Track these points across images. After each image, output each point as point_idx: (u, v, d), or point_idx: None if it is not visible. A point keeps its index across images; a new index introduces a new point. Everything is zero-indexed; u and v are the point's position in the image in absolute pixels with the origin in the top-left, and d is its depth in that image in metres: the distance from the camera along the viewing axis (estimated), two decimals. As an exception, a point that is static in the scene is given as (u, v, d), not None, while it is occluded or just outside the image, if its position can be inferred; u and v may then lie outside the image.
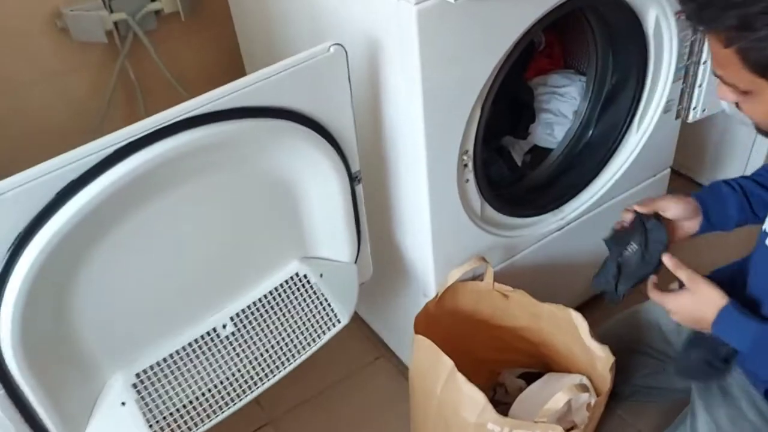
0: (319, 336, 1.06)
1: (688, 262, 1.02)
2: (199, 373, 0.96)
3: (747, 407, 1.05)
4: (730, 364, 1.06)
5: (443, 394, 1.13)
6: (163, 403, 0.93)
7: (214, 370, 0.98)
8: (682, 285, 1.01)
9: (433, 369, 1.13)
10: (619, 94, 1.35)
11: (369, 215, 1.15)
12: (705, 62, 1.33)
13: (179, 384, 0.95)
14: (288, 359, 1.03)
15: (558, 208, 1.36)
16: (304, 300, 1.05)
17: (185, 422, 0.94)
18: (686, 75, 1.35)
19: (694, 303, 0.99)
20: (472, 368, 1.11)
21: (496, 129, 1.42)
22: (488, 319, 1.31)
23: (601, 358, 1.14)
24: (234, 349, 1.00)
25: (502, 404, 1.27)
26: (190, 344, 0.96)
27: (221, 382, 0.98)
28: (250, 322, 1.01)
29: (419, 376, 1.21)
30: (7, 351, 0.77)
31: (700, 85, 1.36)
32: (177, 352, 0.95)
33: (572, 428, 1.07)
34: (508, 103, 1.42)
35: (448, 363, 1.10)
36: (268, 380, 1.01)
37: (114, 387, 0.90)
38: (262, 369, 1.01)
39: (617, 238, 1.12)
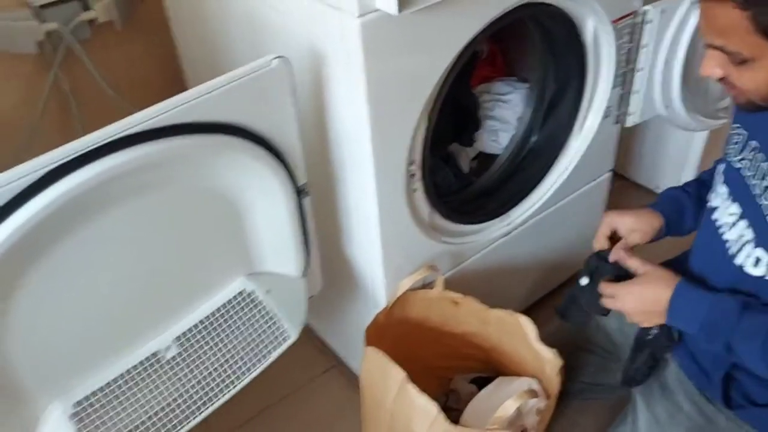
0: (267, 354, 1.03)
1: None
2: (143, 398, 0.93)
3: (683, 400, 1.08)
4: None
5: (395, 405, 1.12)
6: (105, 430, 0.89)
7: (160, 394, 0.94)
8: None
9: (385, 380, 1.13)
10: (561, 100, 1.38)
11: (318, 227, 1.14)
12: (641, 70, 1.37)
13: (122, 411, 0.91)
14: (236, 379, 1.00)
15: (504, 214, 1.38)
16: (252, 317, 1.03)
17: (129, 450, 0.91)
18: (624, 82, 1.39)
19: (646, 288, 0.99)
20: (423, 376, 1.11)
21: (441, 137, 1.43)
22: (439, 326, 1.31)
23: (549, 361, 1.15)
24: (179, 371, 0.96)
25: (454, 410, 1.27)
26: (132, 369, 0.93)
27: (168, 405, 0.95)
28: (195, 343, 0.98)
29: (370, 388, 1.20)
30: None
31: (637, 92, 1.40)
32: (118, 378, 0.92)
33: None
34: (453, 111, 1.43)
35: (399, 374, 1.10)
36: (216, 401, 0.98)
37: (51, 418, 0.86)
38: (210, 390, 0.98)
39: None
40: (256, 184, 0.96)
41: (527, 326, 1.19)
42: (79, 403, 0.88)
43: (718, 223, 1.00)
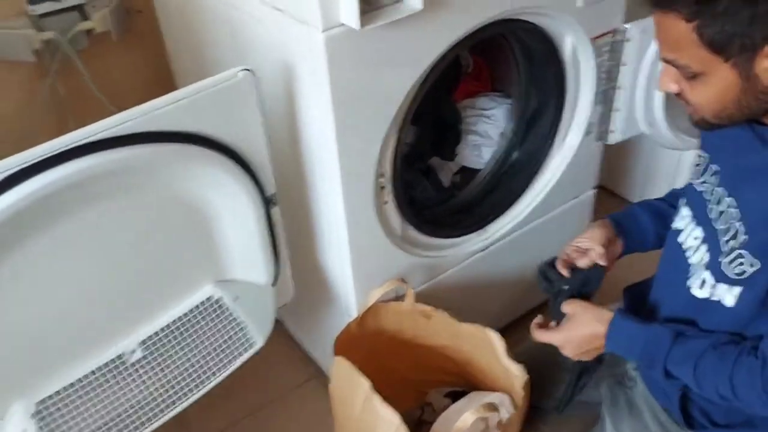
0: (233, 359, 1.05)
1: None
2: (107, 399, 0.95)
3: (649, 419, 1.08)
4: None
5: (362, 414, 1.13)
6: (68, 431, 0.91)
7: (124, 395, 0.97)
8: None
9: (352, 390, 1.14)
10: (541, 116, 1.39)
11: (292, 235, 1.16)
12: (621, 88, 1.37)
13: (86, 411, 0.93)
14: (201, 383, 1.02)
15: (482, 228, 1.39)
16: (218, 323, 1.05)
17: (91, 450, 0.93)
18: (605, 99, 1.39)
19: (580, 330, 1.02)
20: (399, 388, 1.12)
21: (421, 150, 1.45)
22: (412, 339, 1.32)
23: (516, 376, 1.16)
24: (144, 374, 0.99)
25: (428, 423, 1.27)
26: (96, 371, 0.95)
27: (131, 407, 0.97)
28: (161, 347, 1.00)
29: (339, 398, 1.21)
30: None
31: (618, 109, 1.41)
32: (83, 378, 0.94)
33: (487, 447, 1.09)
34: (434, 125, 1.45)
35: (365, 384, 1.11)
36: (180, 404, 1.00)
37: (14, 415, 0.89)
38: (175, 393, 1.00)
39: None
40: (224, 194, 0.98)
41: (496, 342, 1.20)
42: (42, 402, 0.91)
43: (683, 247, 1.00)
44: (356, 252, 1.17)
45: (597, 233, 1.09)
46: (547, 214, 1.47)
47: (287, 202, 1.13)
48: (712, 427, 1.02)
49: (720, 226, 0.91)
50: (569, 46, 1.28)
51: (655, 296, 1.07)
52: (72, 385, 0.93)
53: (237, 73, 0.91)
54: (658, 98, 1.41)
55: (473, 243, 1.38)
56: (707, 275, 0.93)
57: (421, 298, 1.27)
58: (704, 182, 0.97)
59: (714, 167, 0.95)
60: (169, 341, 1.01)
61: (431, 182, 1.45)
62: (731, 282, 0.89)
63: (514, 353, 1.19)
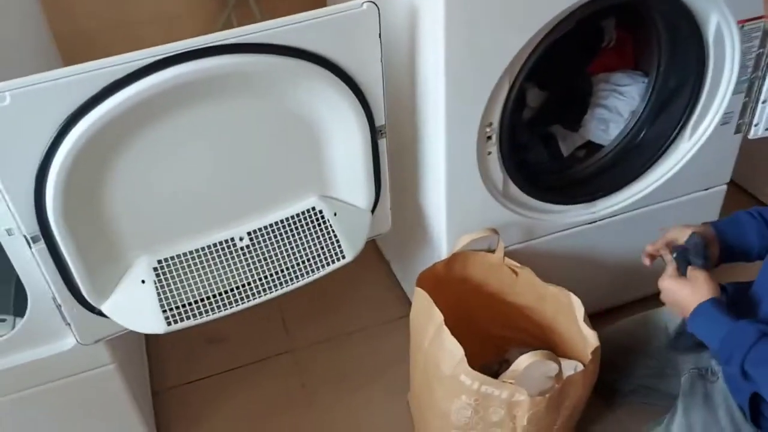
0: (323, 266, 1.17)
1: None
2: (213, 272, 1.11)
3: (723, 415, 1.05)
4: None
5: (429, 347, 1.20)
6: (177, 291, 1.08)
7: (226, 274, 1.12)
8: None
9: (426, 322, 1.21)
10: (677, 99, 1.35)
11: (395, 172, 1.24)
12: (771, 78, 1.29)
13: (194, 278, 1.10)
14: (292, 280, 1.15)
15: (591, 202, 1.38)
16: (316, 232, 1.17)
17: (192, 314, 1.09)
18: (750, 89, 1.31)
19: (684, 290, 1.02)
20: (479, 341, 1.16)
21: (545, 116, 1.47)
22: (496, 293, 1.36)
23: (589, 342, 1.16)
24: (247, 260, 1.13)
25: (503, 379, 1.32)
26: (210, 246, 1.11)
27: (231, 285, 1.12)
28: (264, 241, 1.14)
29: (414, 330, 1.29)
30: (50, 213, 0.95)
31: (764, 101, 1.32)
32: (197, 250, 1.10)
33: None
34: (562, 93, 1.46)
35: (438, 317, 1.17)
36: (271, 293, 1.14)
37: (138, 266, 1.07)
38: (267, 283, 1.14)
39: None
40: (336, 115, 1.09)
41: (576, 306, 1.21)
42: (162, 261, 1.08)
43: None
44: (453, 196, 1.23)
45: (693, 231, 1.08)
46: (666, 201, 1.43)
47: (395, 139, 1.22)
48: (783, 429, 0.97)
49: None
50: (714, 27, 1.22)
51: (758, 292, 1.02)
52: (189, 253, 1.10)
53: (362, 3, 1.00)
54: (815, 96, 1.30)
55: (578, 214, 1.38)
56: None
57: (512, 257, 1.30)
58: None
59: None
60: (273, 237, 1.14)
61: (550, 150, 1.46)
62: None
63: (602, 332, 1.19)
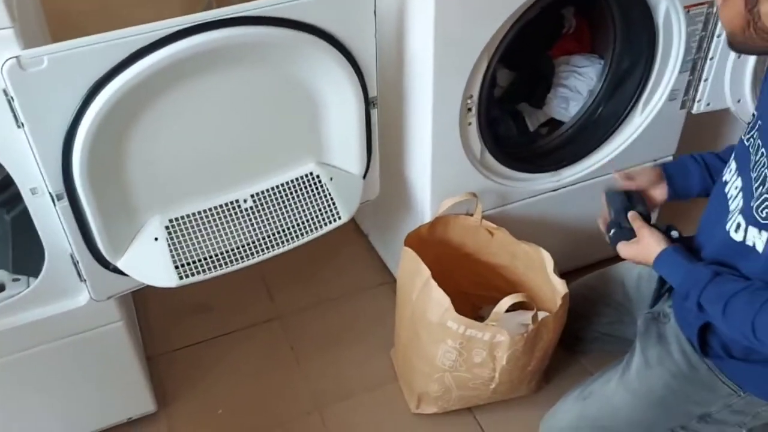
0: (321, 226, 1.27)
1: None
2: (221, 231, 1.20)
3: (675, 349, 1.19)
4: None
5: (417, 300, 1.32)
6: (188, 248, 1.17)
7: (232, 233, 1.21)
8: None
9: (413, 278, 1.33)
10: (629, 78, 1.50)
11: (383, 141, 1.36)
12: (712, 58, 1.46)
13: (203, 236, 1.18)
14: (292, 239, 1.25)
15: (555, 171, 1.53)
16: (314, 195, 1.27)
17: (203, 269, 1.18)
18: (693, 68, 1.48)
19: (639, 249, 1.15)
20: (456, 299, 1.26)
21: (513, 94, 1.61)
22: (473, 254, 1.49)
23: (558, 290, 1.30)
24: (250, 221, 1.23)
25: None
26: (217, 207, 1.20)
27: (236, 243, 1.21)
28: (267, 202, 1.24)
29: (402, 287, 1.41)
30: (76, 172, 1.02)
31: (706, 79, 1.49)
32: (206, 210, 1.19)
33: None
34: (528, 74, 1.60)
35: (425, 272, 1.30)
36: (273, 252, 1.24)
37: (151, 224, 1.15)
38: (270, 242, 1.24)
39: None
40: (333, 85, 1.19)
41: (547, 259, 1.35)
42: (174, 219, 1.16)
43: (727, 196, 1.10)
44: (437, 163, 1.36)
45: (647, 172, 1.23)
46: (622, 170, 1.58)
47: (384, 111, 1.33)
48: (728, 358, 1.12)
49: (753, 174, 1.01)
50: (663, 12, 1.38)
51: (700, 240, 1.17)
52: (198, 213, 1.18)
53: (360, -17, 1.11)
54: (748, 76, 1.48)
55: (545, 182, 1.52)
56: (741, 219, 1.01)
57: (489, 220, 1.43)
58: (750, 137, 1.07)
59: (759, 122, 1.05)
60: (274, 199, 1.24)
61: (518, 125, 1.60)
62: (760, 226, 0.97)
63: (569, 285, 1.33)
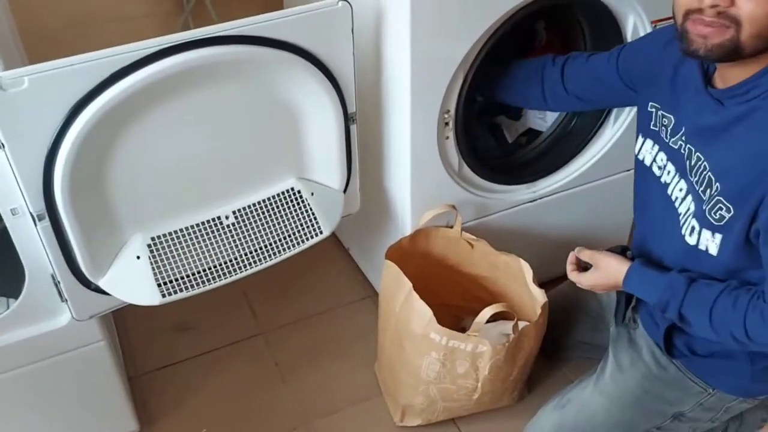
0: (303, 241, 1.28)
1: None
2: (203, 248, 1.20)
3: (645, 352, 1.23)
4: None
5: (400, 312, 1.34)
6: (170, 266, 1.17)
7: (215, 250, 1.21)
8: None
9: (395, 291, 1.35)
10: (601, 90, 1.54)
11: (363, 155, 1.38)
12: (680, 72, 1.50)
13: (185, 253, 1.19)
14: (274, 254, 1.26)
15: (532, 182, 1.56)
16: (295, 210, 1.28)
17: (185, 286, 1.18)
18: (662, 81, 1.53)
19: (601, 276, 1.17)
20: (438, 312, 1.28)
21: (490, 108, 1.64)
22: (455, 266, 1.51)
23: (537, 299, 1.33)
24: (232, 237, 1.23)
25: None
26: (199, 224, 1.20)
27: (219, 261, 1.22)
28: (248, 218, 1.25)
29: (384, 300, 1.42)
30: (57, 192, 1.02)
31: (674, 92, 1.54)
32: (188, 228, 1.19)
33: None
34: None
35: (407, 284, 1.31)
36: (255, 268, 1.24)
37: (133, 243, 1.15)
38: (252, 258, 1.24)
39: None
40: (313, 102, 1.21)
41: (526, 269, 1.37)
42: (156, 237, 1.17)
43: (673, 198, 1.11)
44: (416, 177, 1.38)
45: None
46: (595, 181, 1.62)
47: (363, 126, 1.35)
48: (693, 356, 1.15)
49: (694, 178, 1.03)
50: (631, 26, 1.43)
51: (653, 248, 1.17)
52: (180, 230, 1.19)
53: (338, 2, 1.14)
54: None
55: (522, 193, 1.55)
56: (695, 222, 1.03)
57: (469, 232, 1.45)
58: (676, 141, 1.08)
59: (681, 128, 1.07)
60: (256, 215, 1.25)
61: (497, 137, 1.63)
62: (713, 228, 0.99)
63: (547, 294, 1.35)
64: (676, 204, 1.09)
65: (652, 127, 1.15)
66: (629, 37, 1.44)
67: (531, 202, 1.57)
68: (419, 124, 1.31)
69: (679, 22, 0.95)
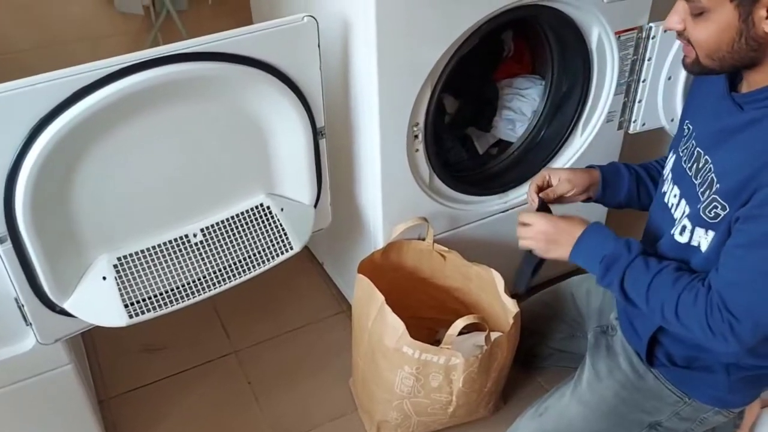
0: (273, 257, 1.27)
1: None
2: (170, 267, 1.18)
3: (623, 360, 1.23)
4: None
5: (373, 327, 1.33)
6: (137, 286, 1.15)
7: (182, 269, 1.20)
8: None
9: (368, 305, 1.34)
10: (569, 100, 1.56)
11: (333, 170, 1.37)
12: (644, 81, 1.53)
13: (152, 273, 1.17)
14: (244, 271, 1.24)
15: (503, 193, 1.57)
16: (265, 226, 1.27)
17: (153, 306, 1.16)
18: (627, 90, 1.55)
19: (562, 221, 1.13)
20: (412, 324, 1.27)
21: (460, 120, 1.65)
22: (428, 278, 1.51)
23: (509, 309, 1.33)
24: (200, 255, 1.22)
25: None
26: (167, 243, 1.19)
27: (187, 280, 1.20)
28: (216, 236, 1.23)
29: (357, 315, 1.41)
30: (19, 214, 1.00)
31: (640, 101, 1.56)
32: (155, 247, 1.18)
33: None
34: (473, 99, 1.65)
35: (379, 298, 1.30)
36: (225, 285, 1.23)
37: (99, 264, 1.13)
38: (222, 276, 1.23)
39: None
40: (281, 117, 1.21)
41: (498, 279, 1.38)
42: (121, 258, 1.15)
43: (669, 204, 1.14)
44: (387, 190, 1.37)
45: (582, 177, 1.26)
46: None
47: (333, 140, 1.35)
48: (672, 366, 1.16)
49: (698, 180, 1.05)
50: (596, 37, 1.45)
51: (649, 247, 1.18)
52: (146, 250, 1.17)
53: (303, 17, 1.13)
54: (679, 95, 1.55)
55: (493, 204, 1.56)
56: (687, 222, 1.05)
57: (442, 244, 1.45)
58: (686, 147, 1.12)
59: (695, 132, 1.10)
60: (225, 232, 1.24)
61: (467, 149, 1.64)
62: (707, 226, 1.01)
63: (521, 304, 1.35)
64: (672, 210, 1.12)
65: (679, 140, 1.16)
66: (594, 47, 1.46)
67: (502, 212, 1.58)
68: (389, 137, 1.31)
69: None
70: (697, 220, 1.04)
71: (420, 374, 1.28)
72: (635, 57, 1.50)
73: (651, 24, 1.46)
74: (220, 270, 1.23)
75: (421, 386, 1.30)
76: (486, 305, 1.46)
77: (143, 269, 1.16)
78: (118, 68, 1.00)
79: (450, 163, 1.54)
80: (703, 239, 1.03)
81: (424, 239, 1.46)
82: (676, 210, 1.12)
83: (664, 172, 1.19)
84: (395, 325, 1.27)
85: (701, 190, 1.04)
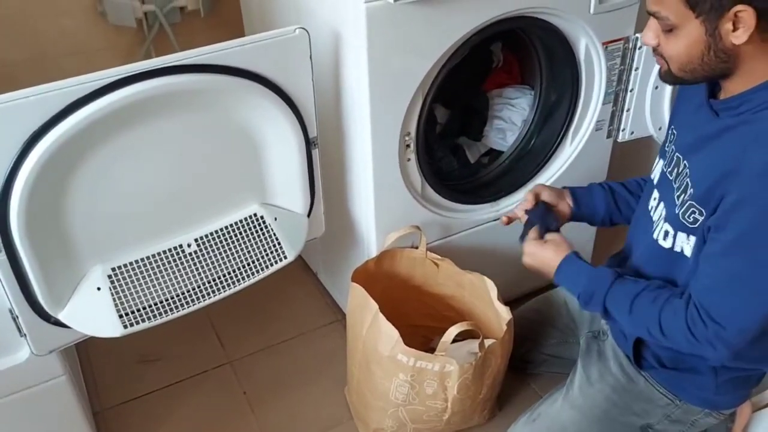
0: (267, 267, 1.28)
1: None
2: (165, 277, 1.19)
3: (613, 364, 1.25)
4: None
5: (367, 335, 1.34)
6: (132, 296, 1.15)
7: (176, 279, 1.20)
8: None
9: (362, 313, 1.35)
10: (558, 109, 1.58)
11: (326, 179, 1.38)
12: (632, 90, 1.55)
13: (146, 284, 1.17)
14: (239, 281, 1.25)
15: (494, 201, 1.58)
16: (259, 236, 1.28)
17: (147, 317, 1.17)
18: (616, 100, 1.57)
19: (543, 252, 1.20)
20: (407, 333, 1.29)
21: (451, 130, 1.67)
22: (421, 286, 1.52)
23: (502, 316, 1.34)
24: (194, 265, 1.22)
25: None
26: (161, 253, 1.20)
27: (181, 290, 1.21)
28: (210, 246, 1.24)
29: (351, 323, 1.42)
30: (13, 225, 1.01)
31: (628, 110, 1.58)
32: (149, 257, 1.18)
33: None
34: (463, 109, 1.67)
35: (373, 306, 1.31)
36: (219, 295, 1.23)
37: (93, 274, 1.14)
38: (217, 285, 1.24)
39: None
40: (273, 127, 1.22)
41: (491, 286, 1.39)
42: (116, 268, 1.15)
43: (649, 207, 1.18)
44: (380, 199, 1.39)
45: (545, 192, 1.31)
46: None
47: (325, 150, 1.36)
48: (661, 368, 1.18)
49: (676, 184, 1.08)
50: (583, 48, 1.47)
51: (630, 251, 1.23)
52: (141, 260, 1.17)
53: (295, 29, 1.15)
54: (666, 104, 1.58)
55: (485, 212, 1.57)
56: (668, 226, 1.08)
57: (435, 252, 1.46)
58: (668, 151, 1.14)
59: (677, 137, 1.12)
60: (219, 242, 1.25)
61: (459, 158, 1.66)
62: (688, 231, 1.04)
63: (514, 311, 1.37)
64: (651, 212, 1.15)
65: (665, 146, 1.19)
66: (582, 58, 1.48)
67: (494, 220, 1.59)
68: (380, 146, 1.32)
69: None
70: (677, 225, 1.06)
71: (415, 382, 1.29)
72: (622, 67, 1.53)
73: (637, 35, 1.48)
74: (214, 280, 1.24)
75: (416, 394, 1.31)
76: (479, 312, 1.47)
77: (138, 279, 1.17)
78: (111, 81, 1.01)
79: (442, 172, 1.56)
80: (686, 244, 1.06)
81: (417, 247, 1.48)
82: (654, 212, 1.15)
83: (651, 176, 1.22)
84: (389, 333, 1.27)
85: (678, 194, 1.07)
